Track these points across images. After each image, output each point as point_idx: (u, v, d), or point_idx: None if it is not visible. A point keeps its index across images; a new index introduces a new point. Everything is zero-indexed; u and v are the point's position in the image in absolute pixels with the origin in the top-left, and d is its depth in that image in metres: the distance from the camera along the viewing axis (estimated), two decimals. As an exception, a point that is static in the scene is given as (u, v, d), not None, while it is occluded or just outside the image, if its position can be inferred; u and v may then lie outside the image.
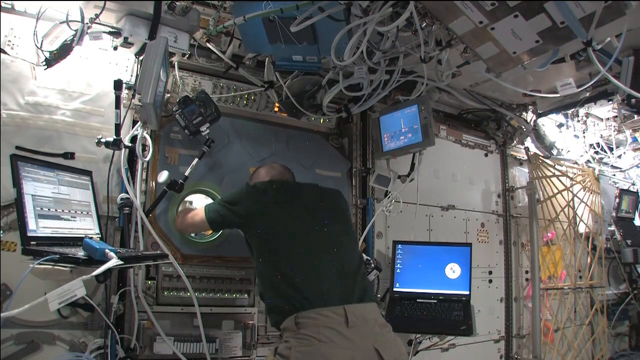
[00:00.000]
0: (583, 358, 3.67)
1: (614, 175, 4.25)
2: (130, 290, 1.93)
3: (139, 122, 2.01)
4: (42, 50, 1.83)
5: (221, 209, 1.95)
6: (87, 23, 1.80)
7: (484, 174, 3.36)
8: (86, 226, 1.79)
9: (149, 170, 2.10)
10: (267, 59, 2.22)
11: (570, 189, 3.68)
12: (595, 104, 3.08)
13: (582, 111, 3.64)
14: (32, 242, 1.49)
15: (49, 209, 1.63)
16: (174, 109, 2.10)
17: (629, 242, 4.00)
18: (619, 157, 4.17)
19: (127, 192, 1.98)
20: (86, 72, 2.02)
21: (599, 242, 3.90)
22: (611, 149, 3.97)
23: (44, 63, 1.84)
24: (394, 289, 2.57)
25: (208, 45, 2.18)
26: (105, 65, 2.07)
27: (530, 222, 3.40)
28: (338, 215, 2.04)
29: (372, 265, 2.36)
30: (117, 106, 1.97)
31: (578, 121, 3.73)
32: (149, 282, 2.02)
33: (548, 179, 3.57)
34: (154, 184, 2.10)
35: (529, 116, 3.28)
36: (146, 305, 1.96)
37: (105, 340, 1.82)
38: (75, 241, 1.66)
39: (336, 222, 1.99)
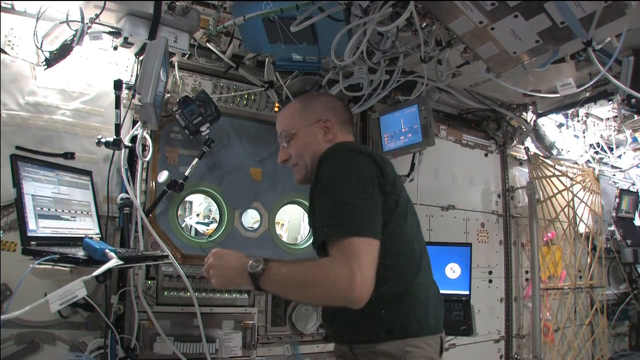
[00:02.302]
0: (583, 358, 3.67)
1: (614, 175, 4.25)
2: (130, 290, 1.93)
3: (139, 122, 2.01)
4: (42, 50, 1.83)
5: (368, 207, 1.28)
6: (87, 23, 1.80)
7: (484, 174, 3.35)
8: (86, 226, 1.79)
9: (149, 170, 2.10)
10: (267, 59, 2.22)
11: (570, 189, 3.68)
12: (595, 104, 3.07)
13: (582, 111, 3.62)
14: (32, 242, 1.49)
15: (49, 209, 1.62)
16: (174, 109, 2.10)
17: (629, 242, 4.00)
18: (619, 157, 4.17)
19: (127, 192, 1.98)
20: (86, 72, 2.02)
21: (599, 242, 3.90)
22: (611, 149, 3.96)
23: (44, 63, 1.84)
24: (394, 289, 2.56)
25: (208, 45, 2.17)
26: (105, 65, 2.07)
27: (530, 222, 3.40)
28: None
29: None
30: (117, 106, 1.97)
31: (578, 121, 3.72)
32: (149, 282, 2.01)
33: (548, 179, 3.57)
34: (154, 184, 2.10)
35: (529, 116, 3.28)
36: (146, 305, 1.95)
37: (105, 340, 1.82)
38: (75, 241, 1.66)
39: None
